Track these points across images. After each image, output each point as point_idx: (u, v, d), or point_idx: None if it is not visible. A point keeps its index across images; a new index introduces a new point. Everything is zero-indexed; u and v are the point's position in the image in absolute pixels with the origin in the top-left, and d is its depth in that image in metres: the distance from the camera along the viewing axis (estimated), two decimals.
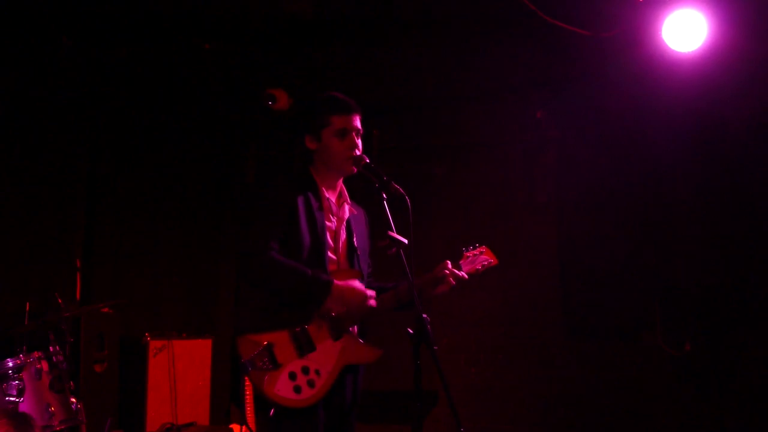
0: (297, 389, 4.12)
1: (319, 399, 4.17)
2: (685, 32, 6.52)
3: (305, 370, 4.16)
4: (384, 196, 4.20)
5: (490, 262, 4.77)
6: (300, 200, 4.31)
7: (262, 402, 4.14)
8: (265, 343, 4.10)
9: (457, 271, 4.50)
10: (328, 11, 7.46)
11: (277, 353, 4.11)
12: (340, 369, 4.27)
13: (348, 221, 4.53)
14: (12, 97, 7.24)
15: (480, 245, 4.77)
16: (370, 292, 4.30)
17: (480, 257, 4.73)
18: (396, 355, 4.51)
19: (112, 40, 7.65)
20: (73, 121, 7.78)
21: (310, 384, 4.15)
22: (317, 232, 4.33)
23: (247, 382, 6.68)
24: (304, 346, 4.18)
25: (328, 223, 4.41)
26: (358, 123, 4.45)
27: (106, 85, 7.97)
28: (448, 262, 4.50)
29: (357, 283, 4.28)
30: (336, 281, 4.22)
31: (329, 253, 4.38)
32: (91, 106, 7.91)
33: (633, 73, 7.48)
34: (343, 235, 4.49)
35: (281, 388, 4.09)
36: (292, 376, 4.12)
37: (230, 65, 8.35)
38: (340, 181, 4.54)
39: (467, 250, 4.69)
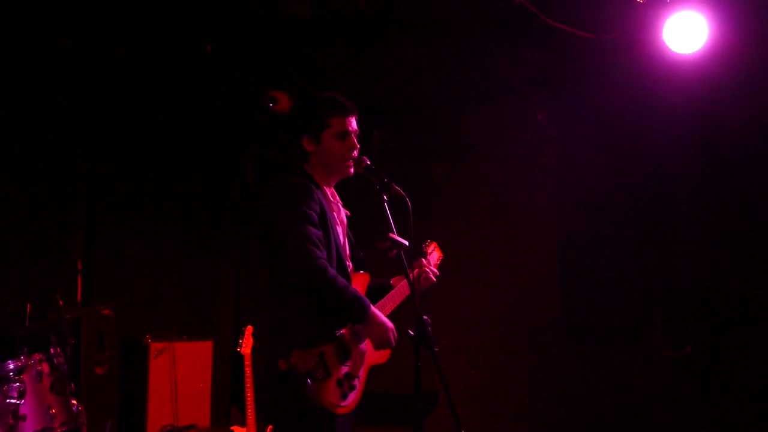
0: (343, 396, 4.16)
1: (357, 402, 4.24)
2: (686, 34, 6.52)
3: (348, 377, 4.19)
4: (384, 197, 4.20)
5: (439, 257, 4.93)
6: (322, 199, 4.29)
7: (311, 413, 4.11)
8: (320, 352, 4.08)
9: (429, 264, 4.69)
10: (328, 11, 7.47)
11: (329, 362, 4.11)
12: (367, 371, 4.34)
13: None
14: (12, 97, 7.23)
15: (431, 240, 4.92)
16: (393, 336, 4.27)
17: (435, 253, 4.90)
18: (396, 356, 4.51)
19: (113, 41, 7.65)
20: (73, 121, 7.77)
21: (352, 388, 4.20)
22: (338, 235, 4.34)
23: (248, 384, 6.71)
24: (344, 353, 4.19)
25: (338, 228, 4.42)
26: (356, 124, 4.45)
27: (106, 85, 7.96)
28: (422, 259, 4.67)
29: (389, 323, 4.26)
30: (373, 309, 4.22)
31: (347, 261, 4.41)
32: (91, 107, 7.90)
33: (633, 75, 7.48)
34: (345, 238, 4.51)
35: (333, 396, 4.12)
36: (339, 384, 4.14)
37: (230, 65, 8.35)
38: (334, 184, 4.53)
39: (426, 246, 4.87)
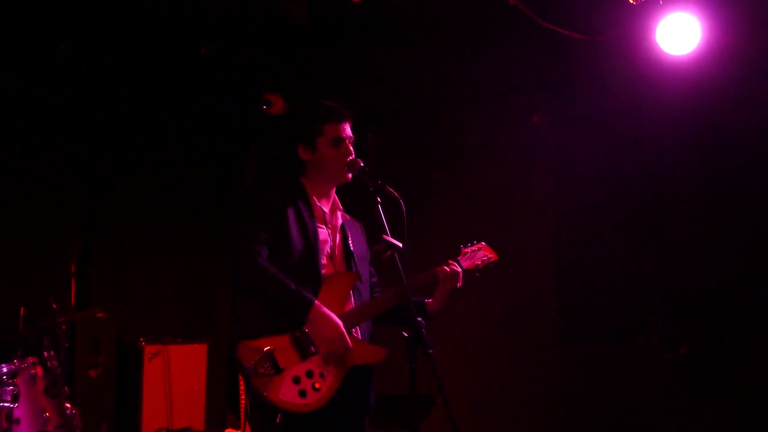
0: (302, 393, 4.10)
1: (326, 402, 4.14)
2: (679, 35, 6.52)
3: (309, 374, 4.13)
4: (378, 199, 4.19)
5: (489, 257, 4.79)
6: (290, 209, 4.28)
7: (266, 409, 4.11)
8: (266, 348, 4.07)
9: (455, 267, 4.54)
10: (326, 13, 7.46)
11: (279, 358, 4.08)
12: (345, 371, 4.23)
13: (342, 226, 4.52)
14: (10, 98, 7.25)
15: (478, 242, 4.80)
16: (349, 341, 4.18)
17: (479, 253, 4.75)
18: (391, 358, 4.49)
19: (111, 42, 7.66)
20: (71, 123, 7.78)
21: (315, 387, 4.13)
22: (309, 236, 4.30)
23: (243, 387, 6.70)
24: (306, 350, 4.15)
25: (320, 230, 4.38)
26: (350, 130, 4.44)
27: (105, 87, 7.98)
28: (450, 260, 4.58)
29: (334, 318, 4.18)
30: (317, 304, 4.15)
31: (323, 259, 4.35)
32: (89, 108, 7.91)
33: (628, 76, 7.47)
34: (338, 241, 4.47)
35: (285, 393, 4.07)
36: (296, 380, 4.10)
37: (229, 67, 8.35)
38: (333, 191, 4.52)
39: (465, 247, 4.73)
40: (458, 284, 4.54)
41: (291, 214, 4.28)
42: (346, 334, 4.17)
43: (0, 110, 7.17)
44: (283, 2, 7.19)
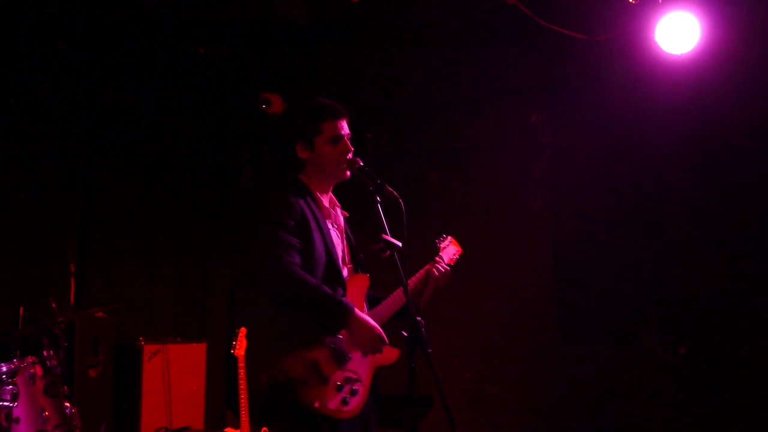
0: (344, 401, 4.13)
1: (362, 407, 4.20)
2: (678, 34, 6.53)
3: (347, 380, 4.16)
4: (378, 199, 4.19)
5: (457, 251, 4.86)
6: (307, 212, 4.25)
7: (306, 417, 4.08)
8: (312, 359, 4.06)
9: (445, 265, 4.64)
10: (322, 15, 7.46)
11: (323, 368, 4.08)
12: (373, 373, 4.29)
13: (344, 226, 4.54)
14: (10, 98, 7.25)
15: (445, 235, 4.87)
16: (385, 338, 4.22)
17: (450, 248, 4.83)
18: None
19: (108, 44, 7.65)
20: (68, 124, 7.77)
21: (353, 393, 4.17)
22: (327, 242, 4.29)
23: (242, 386, 6.71)
24: (343, 357, 4.16)
25: (332, 232, 4.39)
26: (347, 127, 4.44)
27: (101, 89, 7.98)
28: (436, 257, 4.66)
29: (370, 320, 4.20)
30: (356, 311, 4.15)
31: (341, 264, 4.36)
32: (85, 110, 7.91)
33: (627, 76, 7.48)
34: (345, 241, 4.49)
35: (333, 402, 4.09)
36: (339, 389, 4.11)
37: (225, 69, 8.35)
38: (331, 188, 4.52)
39: (440, 242, 4.81)
40: (446, 281, 4.59)
41: (309, 217, 4.26)
42: (382, 332, 4.19)
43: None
44: (279, 4, 7.19)
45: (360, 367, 4.23)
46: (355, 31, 7.85)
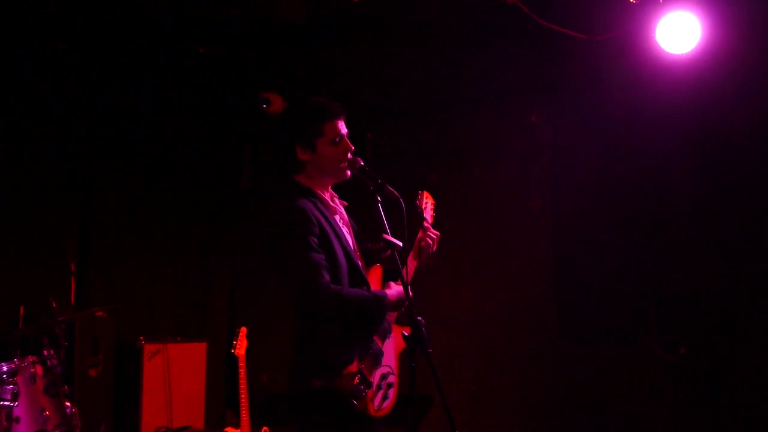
0: (385, 396, 4.18)
1: (397, 397, 4.27)
2: (679, 34, 6.53)
3: (384, 377, 4.21)
4: (378, 198, 4.18)
5: (432, 202, 4.84)
6: (318, 213, 4.21)
7: (352, 422, 4.10)
8: (357, 369, 4.06)
9: (434, 231, 4.62)
10: (322, 15, 7.46)
11: (367, 374, 4.10)
12: (398, 359, 4.34)
13: (350, 219, 4.53)
14: (10, 98, 7.25)
15: (420, 192, 4.82)
16: (400, 288, 4.24)
17: (428, 203, 4.80)
18: None
19: (107, 44, 7.65)
20: (68, 125, 7.77)
21: (390, 386, 4.23)
22: (344, 246, 4.26)
23: (242, 386, 6.71)
24: (380, 354, 4.20)
25: (343, 229, 4.36)
26: (344, 124, 4.42)
27: (101, 89, 7.97)
28: (424, 223, 4.64)
29: (395, 286, 4.28)
30: (387, 293, 4.21)
31: (359, 261, 4.34)
32: (85, 110, 7.91)
33: (627, 76, 7.48)
34: (351, 234, 4.45)
35: (378, 402, 4.14)
36: (380, 387, 4.16)
37: (225, 69, 8.35)
38: (330, 185, 4.49)
39: (419, 202, 4.76)
40: (436, 246, 4.61)
41: (326, 225, 4.22)
42: (401, 289, 4.21)
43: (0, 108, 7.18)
44: (279, 4, 7.19)
45: (390, 359, 4.28)
46: (355, 31, 7.85)
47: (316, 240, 4.12)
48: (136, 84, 8.20)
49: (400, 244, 4.08)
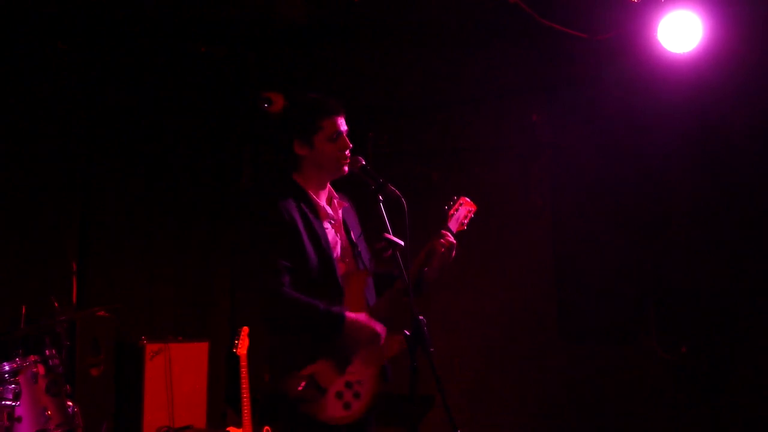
0: (347, 406, 4.11)
1: (368, 407, 4.18)
2: (681, 33, 6.52)
3: (348, 385, 4.15)
4: (380, 198, 4.18)
5: (471, 210, 4.73)
6: (299, 221, 4.22)
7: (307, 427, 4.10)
8: (307, 374, 4.05)
9: (450, 239, 4.49)
10: (322, 15, 7.46)
11: (320, 380, 4.08)
12: (380, 368, 4.26)
13: (343, 219, 4.50)
14: (10, 97, 7.25)
15: (458, 197, 4.73)
16: (380, 329, 4.21)
17: (461, 210, 4.68)
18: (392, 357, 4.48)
19: (107, 44, 7.65)
20: (68, 124, 7.77)
21: (357, 396, 4.15)
22: (322, 245, 4.25)
23: (244, 385, 6.71)
24: (343, 363, 4.16)
25: (328, 231, 4.35)
26: (344, 122, 4.41)
27: (102, 88, 7.98)
28: (442, 230, 4.51)
29: (366, 319, 4.20)
30: (348, 315, 4.14)
31: (337, 262, 4.32)
32: (86, 109, 7.91)
33: (628, 75, 7.48)
34: (343, 236, 4.45)
35: (332, 410, 4.08)
36: (339, 395, 4.10)
37: (225, 69, 8.35)
38: (329, 182, 4.49)
39: (449, 208, 4.66)
40: (454, 253, 4.49)
41: (302, 227, 4.22)
42: (377, 328, 4.19)
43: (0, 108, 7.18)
44: (279, 4, 7.19)
45: (361, 368, 4.20)
46: (355, 31, 7.84)
47: (284, 243, 4.15)
48: (136, 84, 8.20)
49: (402, 243, 4.07)
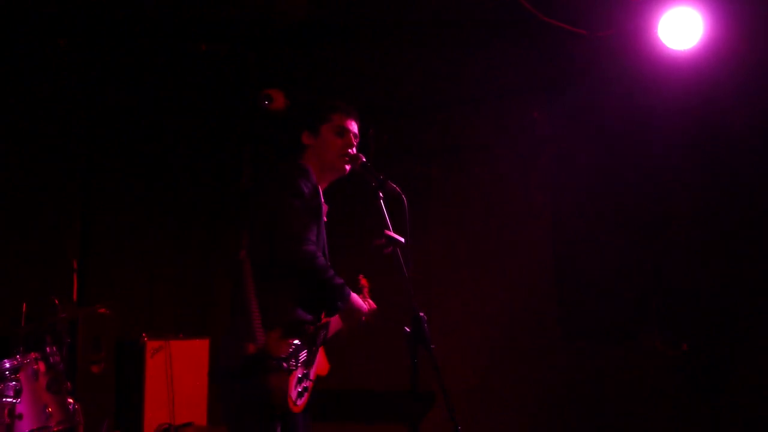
0: (300, 395, 4.13)
1: (304, 407, 4.20)
2: (681, 30, 6.53)
3: (306, 376, 4.18)
4: (380, 195, 4.20)
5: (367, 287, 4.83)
6: (314, 193, 4.25)
7: (265, 408, 4.02)
8: (295, 343, 4.05)
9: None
10: (323, 13, 7.46)
11: (299, 356, 4.09)
12: (314, 379, 4.32)
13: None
14: (11, 95, 7.25)
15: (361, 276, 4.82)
16: (370, 306, 4.32)
17: (365, 289, 4.79)
18: (392, 354, 4.50)
19: (108, 42, 7.65)
20: (68, 122, 7.78)
21: (305, 390, 4.19)
22: (322, 233, 4.29)
23: None
24: (311, 356, 4.20)
25: (323, 223, 4.38)
26: (356, 128, 4.46)
27: (102, 87, 7.98)
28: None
29: (364, 307, 4.33)
30: (352, 294, 4.26)
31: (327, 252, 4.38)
32: (86, 108, 7.91)
33: (629, 73, 7.48)
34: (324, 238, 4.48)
35: (293, 392, 4.07)
36: (299, 381, 4.12)
37: (225, 68, 8.35)
38: (327, 183, 4.52)
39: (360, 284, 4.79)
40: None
41: (319, 211, 4.27)
42: (364, 308, 4.32)
43: (0, 108, 7.18)
44: (279, 2, 7.20)
45: (314, 369, 4.27)
46: (355, 31, 7.85)
47: (314, 223, 4.18)
48: (136, 84, 8.21)
49: (402, 240, 4.09)
